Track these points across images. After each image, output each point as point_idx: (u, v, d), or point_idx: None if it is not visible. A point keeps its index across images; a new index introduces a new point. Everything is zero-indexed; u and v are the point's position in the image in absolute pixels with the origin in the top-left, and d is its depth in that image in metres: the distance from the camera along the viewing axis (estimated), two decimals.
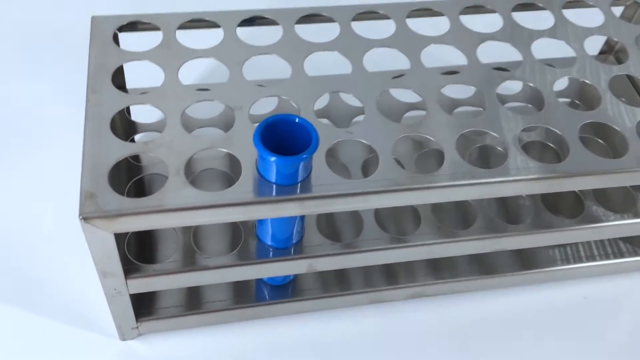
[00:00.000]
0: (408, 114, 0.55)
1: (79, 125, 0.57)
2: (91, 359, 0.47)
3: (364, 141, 0.42)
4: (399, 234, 0.46)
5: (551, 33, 0.51)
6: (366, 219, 0.47)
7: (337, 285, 0.50)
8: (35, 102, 0.64)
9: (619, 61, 0.50)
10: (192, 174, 0.49)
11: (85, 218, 0.35)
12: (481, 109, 0.45)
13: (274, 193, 0.38)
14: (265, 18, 0.49)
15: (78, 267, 0.50)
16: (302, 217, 0.44)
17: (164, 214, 0.36)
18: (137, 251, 0.46)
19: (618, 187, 0.52)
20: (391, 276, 0.51)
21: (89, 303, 0.49)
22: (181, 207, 0.36)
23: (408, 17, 0.51)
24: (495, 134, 0.43)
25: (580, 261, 0.54)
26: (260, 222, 0.43)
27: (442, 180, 0.40)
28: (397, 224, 0.50)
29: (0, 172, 0.57)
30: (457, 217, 0.51)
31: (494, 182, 0.40)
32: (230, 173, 0.49)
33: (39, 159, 0.59)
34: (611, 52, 0.59)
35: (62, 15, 0.71)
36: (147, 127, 0.52)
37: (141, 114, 0.51)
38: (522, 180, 0.41)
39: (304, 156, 0.37)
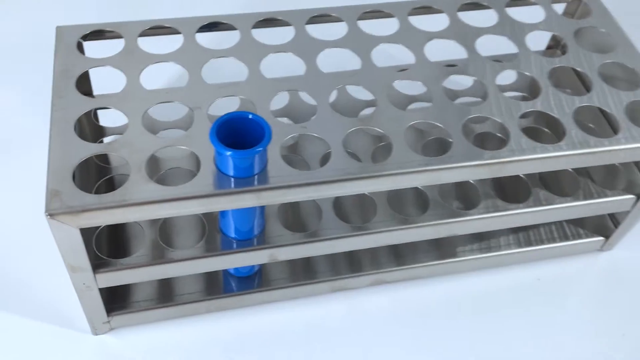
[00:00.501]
0: (365, 111, 0.58)
1: (45, 132, 0.60)
2: (64, 354, 0.48)
3: (317, 135, 0.44)
4: (358, 224, 0.49)
5: (496, 30, 0.54)
6: (325, 210, 0.50)
7: (302, 275, 0.52)
8: (2, 110, 0.65)
9: (564, 53, 0.53)
10: (158, 173, 0.51)
11: (51, 214, 0.37)
12: (431, 104, 0.48)
13: (232, 185, 0.40)
14: (223, 23, 0.52)
15: (50, 266, 0.52)
16: (262, 210, 0.46)
17: (127, 208, 0.39)
18: (108, 249, 0.48)
19: (565, 173, 0.56)
20: (354, 264, 0.54)
21: (62, 300, 0.51)
22: (143, 201, 0.39)
23: (359, 19, 0.53)
24: (441, 125, 0.46)
25: (532, 245, 0.57)
26: (223, 215, 0.46)
27: (389, 169, 0.43)
28: (356, 214, 0.52)
29: None
30: (414, 205, 0.53)
31: (438, 169, 0.43)
32: (195, 171, 0.51)
33: (8, 164, 0.61)
34: (557, 46, 0.63)
35: (27, 27, 0.73)
36: (115, 131, 0.54)
37: (109, 118, 0.53)
38: (465, 166, 0.44)
39: (258, 149, 0.39)
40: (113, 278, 0.44)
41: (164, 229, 0.49)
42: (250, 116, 0.40)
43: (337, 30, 0.53)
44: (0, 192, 0.59)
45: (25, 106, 0.66)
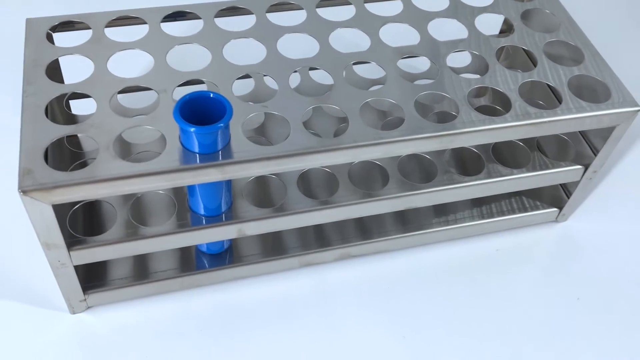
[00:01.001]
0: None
1: (15, 120, 0.61)
2: (43, 333, 0.50)
3: (277, 113, 0.47)
4: (322, 198, 0.52)
5: (447, 14, 0.57)
6: (290, 188, 0.52)
7: (271, 251, 0.55)
8: None
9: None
10: (128, 156, 0.53)
11: (24, 191, 0.39)
12: (382, 85, 0.51)
13: (197, 161, 0.43)
14: (188, 12, 0.54)
15: (26, 248, 0.54)
16: (229, 186, 0.48)
17: (96, 184, 0.41)
18: (83, 230, 0.50)
19: (518, 148, 0.59)
20: (321, 240, 0.56)
21: (39, 280, 0.53)
22: (111, 177, 0.41)
23: (318, 6, 0.56)
24: (393, 101, 0.49)
25: (491, 217, 0.60)
26: (191, 193, 0.48)
27: (346, 142, 0.45)
28: (320, 191, 0.55)
29: None
30: (375, 181, 0.56)
31: (391, 142, 0.46)
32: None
33: None
34: (510, 30, 0.66)
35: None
36: (86, 119, 0.56)
37: (81, 108, 0.55)
38: (417, 139, 0.47)
39: (220, 125, 0.42)
40: (87, 255, 0.46)
41: (136, 209, 0.51)
42: (211, 95, 0.43)
43: (296, 17, 0.55)
44: None
45: None
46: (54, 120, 0.45)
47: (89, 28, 0.52)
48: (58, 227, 0.43)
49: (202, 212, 0.49)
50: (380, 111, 0.61)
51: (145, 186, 0.43)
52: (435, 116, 0.61)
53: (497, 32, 0.66)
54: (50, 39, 0.51)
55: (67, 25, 0.52)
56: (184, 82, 0.49)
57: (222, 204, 0.49)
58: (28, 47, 0.49)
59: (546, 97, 0.59)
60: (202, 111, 0.43)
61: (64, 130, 0.43)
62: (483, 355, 0.53)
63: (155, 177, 0.42)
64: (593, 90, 0.54)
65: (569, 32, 0.57)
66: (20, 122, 0.43)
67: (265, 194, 0.54)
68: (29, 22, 0.51)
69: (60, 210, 0.43)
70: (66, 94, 0.47)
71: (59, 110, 0.53)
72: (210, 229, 0.49)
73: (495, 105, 0.63)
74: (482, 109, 0.61)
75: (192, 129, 0.41)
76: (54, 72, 0.50)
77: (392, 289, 0.57)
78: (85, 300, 0.50)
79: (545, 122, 0.49)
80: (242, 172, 0.44)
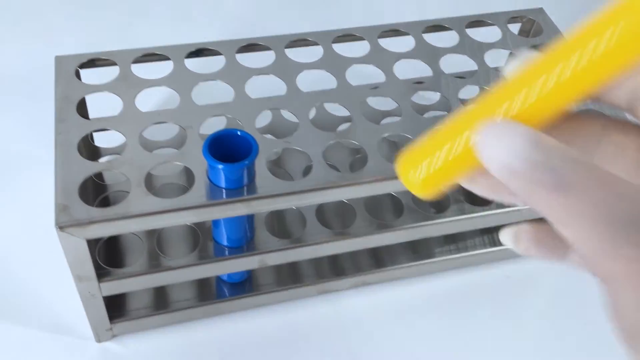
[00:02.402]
0: (342, 126, 0.63)
1: (46, 154, 0.63)
2: None
3: (299, 148, 0.49)
4: (339, 229, 0.54)
5: (457, 50, 0.60)
6: (309, 218, 0.54)
7: (289, 279, 0.56)
8: (4, 137, 0.69)
9: None
10: (154, 189, 0.55)
11: (61, 227, 0.41)
12: (401, 118, 0.53)
13: (224, 196, 0.45)
14: (210, 49, 0.56)
15: (52, 279, 0.55)
16: (252, 218, 0.50)
17: (129, 220, 0.43)
18: (107, 260, 0.52)
19: None
20: (337, 268, 0.58)
21: (65, 309, 0.54)
22: (143, 213, 0.43)
23: (333, 42, 0.58)
24: (411, 137, 0.51)
25: (503, 244, 0.61)
26: (215, 225, 0.50)
27: (365, 177, 0.47)
28: (337, 221, 0.57)
29: None
30: (390, 211, 0.58)
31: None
32: (187, 185, 0.55)
33: (11, 186, 0.64)
34: None
35: (26, 58, 0.76)
36: (109, 151, 0.58)
37: (103, 140, 0.57)
38: None
39: (246, 162, 0.44)
40: (116, 286, 0.48)
41: (161, 240, 0.53)
42: (238, 133, 0.45)
43: (314, 53, 0.58)
44: (4, 209, 0.62)
45: (25, 132, 0.69)
46: (79, 152, 0.47)
47: (115, 64, 0.54)
48: (91, 260, 0.44)
49: (225, 243, 0.50)
50: (392, 142, 0.63)
51: (175, 221, 0.44)
52: None
53: (503, 64, 0.68)
54: (78, 75, 0.53)
55: (93, 62, 0.54)
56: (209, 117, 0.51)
57: (245, 235, 0.50)
58: (58, 85, 0.51)
59: None
60: (229, 147, 0.45)
61: (97, 167, 0.45)
62: None
63: (185, 212, 0.44)
64: None
65: None
66: (54, 160, 0.45)
67: (284, 223, 0.56)
68: (58, 59, 0.53)
69: (90, 243, 0.45)
70: (95, 129, 0.49)
71: (83, 143, 0.54)
72: (234, 260, 0.50)
73: None
74: None
75: (221, 166, 0.43)
76: (82, 108, 0.51)
77: (405, 315, 0.58)
78: (111, 329, 0.52)
79: None
80: (267, 207, 0.46)
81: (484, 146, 0.21)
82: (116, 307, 0.52)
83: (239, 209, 0.45)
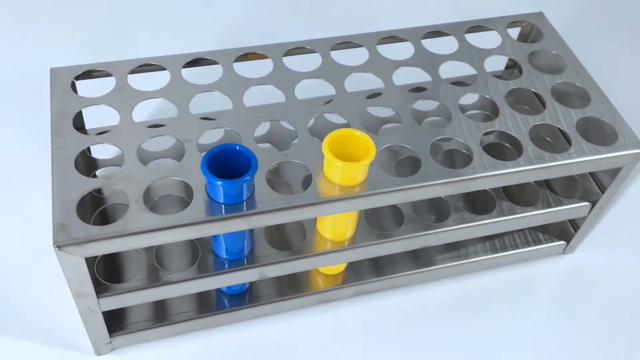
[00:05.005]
0: None
1: (41, 165, 0.63)
2: None
3: (298, 161, 0.48)
4: None
5: (457, 56, 0.59)
6: (308, 229, 0.54)
7: (289, 289, 0.56)
8: (1, 147, 0.68)
9: (521, 73, 0.58)
10: (151, 201, 0.54)
11: (59, 246, 0.41)
12: (401, 125, 0.53)
13: (223, 212, 0.44)
14: (206, 59, 0.55)
15: (50, 294, 0.55)
16: (251, 232, 0.50)
17: (128, 237, 0.42)
18: (106, 274, 0.51)
19: (527, 185, 0.61)
20: (337, 277, 0.58)
21: (64, 323, 0.54)
22: (142, 230, 0.42)
23: (332, 49, 0.58)
24: (409, 147, 0.51)
25: (501, 251, 0.62)
26: (215, 238, 0.49)
27: (364, 190, 0.47)
28: None
29: None
30: (390, 220, 0.58)
31: (409, 189, 0.48)
32: (185, 198, 0.55)
33: (10, 199, 0.63)
34: (515, 66, 0.68)
35: (22, 67, 0.76)
36: (106, 163, 0.57)
37: (100, 151, 0.56)
38: (434, 185, 0.48)
39: (246, 178, 0.43)
40: (115, 301, 0.47)
41: (160, 254, 0.53)
42: (237, 147, 0.44)
43: (312, 61, 0.57)
44: (3, 223, 0.61)
45: (23, 141, 0.68)
46: (77, 166, 0.46)
47: (111, 76, 0.53)
48: (89, 278, 0.44)
49: (224, 256, 0.50)
50: (392, 150, 0.62)
51: (174, 238, 0.44)
52: (444, 154, 0.63)
53: (502, 68, 0.68)
54: (74, 87, 0.52)
55: (89, 74, 0.53)
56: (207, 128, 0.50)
57: (245, 248, 0.50)
58: (54, 98, 0.50)
59: (554, 135, 0.61)
60: (227, 162, 0.45)
61: (95, 183, 0.45)
62: None
63: (184, 229, 0.43)
64: (600, 130, 0.55)
65: (575, 72, 0.59)
66: (51, 176, 0.45)
67: (283, 235, 0.56)
68: (53, 71, 0.52)
69: (88, 260, 0.45)
70: (92, 144, 0.48)
71: (80, 156, 0.54)
72: (233, 273, 0.50)
73: (502, 142, 0.64)
74: (490, 147, 0.63)
75: (220, 183, 0.43)
76: (77, 120, 0.51)
77: (407, 322, 0.58)
78: (110, 342, 0.51)
79: (557, 165, 0.51)
80: (267, 222, 0.45)
81: None
82: (115, 321, 0.52)
83: (238, 225, 0.45)
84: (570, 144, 0.52)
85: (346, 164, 0.45)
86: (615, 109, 0.56)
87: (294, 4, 0.90)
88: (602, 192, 0.58)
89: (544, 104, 0.56)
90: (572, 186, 0.61)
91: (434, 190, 0.49)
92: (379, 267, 0.59)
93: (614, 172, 0.56)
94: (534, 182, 0.61)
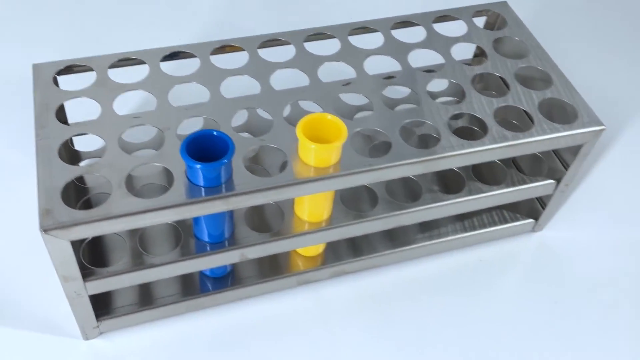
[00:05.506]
0: None
1: (26, 163, 0.65)
2: (60, 359, 0.53)
3: (274, 145, 0.51)
4: None
5: (425, 45, 0.62)
6: (286, 212, 0.56)
7: (270, 271, 0.58)
8: None
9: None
10: (134, 190, 0.56)
11: (45, 230, 0.43)
12: (369, 112, 0.55)
13: (202, 194, 0.46)
14: (184, 52, 0.58)
15: (38, 281, 0.57)
16: (231, 214, 0.52)
17: (111, 220, 0.44)
18: (92, 260, 0.53)
19: (495, 166, 0.64)
20: (316, 258, 0.60)
21: (52, 309, 0.55)
22: (125, 213, 0.44)
23: (305, 41, 0.60)
24: (380, 130, 0.53)
25: (473, 230, 0.64)
26: (196, 222, 0.52)
27: (336, 172, 0.49)
28: None
29: None
30: (365, 202, 0.60)
31: (381, 169, 0.50)
32: (167, 185, 0.57)
33: None
34: (483, 54, 0.71)
35: (3, 66, 0.77)
36: (89, 155, 0.59)
37: (83, 144, 0.58)
38: (403, 164, 0.51)
39: (224, 161, 0.45)
40: (102, 285, 0.49)
41: (143, 239, 0.55)
42: (215, 133, 0.46)
43: (286, 52, 0.59)
44: None
45: (4, 139, 0.70)
46: (60, 157, 0.48)
47: (92, 70, 0.55)
48: (75, 261, 0.46)
49: (206, 239, 0.52)
50: (366, 136, 0.65)
51: (156, 220, 0.46)
52: (417, 139, 0.65)
53: (471, 56, 0.71)
54: (56, 82, 0.54)
55: (70, 68, 0.55)
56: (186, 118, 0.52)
57: (226, 231, 0.52)
58: (37, 92, 0.52)
59: (519, 117, 0.63)
60: (206, 147, 0.47)
61: (78, 170, 0.47)
62: (471, 358, 0.57)
63: (166, 211, 0.45)
64: (562, 110, 0.58)
65: (537, 57, 0.62)
66: (36, 165, 0.47)
67: (263, 218, 0.58)
68: (35, 67, 0.54)
69: (74, 244, 0.46)
70: (74, 134, 0.50)
71: (63, 148, 0.56)
72: (215, 255, 0.52)
73: (472, 126, 0.67)
74: (460, 131, 0.66)
75: (198, 166, 0.45)
76: (60, 113, 0.53)
77: (385, 301, 0.61)
78: (98, 326, 0.53)
79: (519, 144, 0.53)
80: (245, 203, 0.48)
81: None
82: (102, 305, 0.54)
83: (217, 206, 0.47)
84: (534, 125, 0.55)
85: (319, 145, 0.47)
86: (575, 90, 0.59)
87: (268, 3, 0.92)
88: (566, 170, 0.61)
89: (508, 88, 0.59)
90: (538, 166, 0.64)
91: (404, 169, 0.51)
92: (357, 249, 0.61)
93: (575, 150, 0.59)
94: (503, 163, 0.64)
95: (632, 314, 0.62)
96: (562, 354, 0.58)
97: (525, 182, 0.61)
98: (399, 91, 0.62)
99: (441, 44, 0.62)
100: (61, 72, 0.55)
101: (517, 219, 0.66)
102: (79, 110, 0.55)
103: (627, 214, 0.70)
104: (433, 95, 0.60)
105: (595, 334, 0.60)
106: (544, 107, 0.58)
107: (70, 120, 0.58)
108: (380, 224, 0.57)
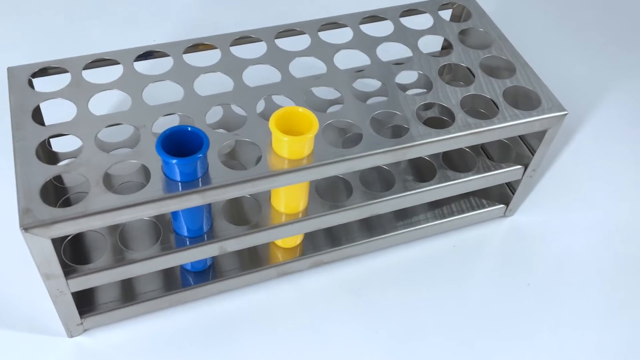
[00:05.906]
0: None
1: (2, 162, 0.65)
2: (45, 357, 0.54)
3: (248, 139, 0.52)
4: None
5: (392, 38, 0.64)
6: (263, 205, 0.57)
7: (250, 263, 0.60)
8: None
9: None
10: (112, 188, 0.57)
11: (25, 228, 0.44)
12: (341, 105, 0.57)
13: (179, 189, 0.47)
14: (157, 51, 0.59)
15: (20, 280, 0.58)
16: (209, 208, 0.53)
17: (90, 217, 0.45)
18: (73, 259, 0.54)
19: (465, 154, 0.66)
20: (295, 249, 0.61)
21: (35, 308, 0.56)
22: (103, 209, 0.45)
23: (276, 37, 0.62)
24: (352, 122, 0.55)
25: (447, 217, 0.66)
26: (175, 217, 0.53)
27: (311, 162, 0.51)
28: None
29: None
30: (340, 193, 0.62)
31: (352, 159, 0.52)
32: (144, 183, 0.58)
33: None
34: (450, 46, 0.73)
35: None
36: (67, 156, 0.60)
37: (60, 145, 0.59)
38: (374, 154, 0.52)
39: (199, 155, 0.47)
40: (84, 282, 0.50)
41: (124, 236, 0.56)
42: (189, 129, 0.48)
43: (258, 49, 0.61)
44: None
45: None
46: (38, 157, 0.49)
47: (66, 72, 0.56)
48: (57, 259, 0.47)
49: (185, 233, 0.53)
50: (340, 129, 0.67)
51: (135, 215, 0.47)
52: (389, 130, 0.67)
53: (438, 49, 0.73)
54: (31, 84, 0.55)
55: (45, 71, 0.56)
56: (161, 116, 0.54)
57: (204, 225, 0.54)
58: (12, 94, 0.53)
59: (487, 106, 0.66)
60: (181, 143, 0.48)
61: (56, 170, 0.48)
62: (450, 341, 0.59)
63: (143, 206, 0.46)
64: (527, 98, 0.61)
65: (501, 47, 0.64)
66: (14, 166, 0.47)
67: (241, 211, 0.59)
68: (10, 70, 0.55)
69: (55, 242, 0.47)
70: (51, 135, 0.51)
71: (41, 149, 0.56)
72: (195, 249, 0.53)
73: (442, 116, 0.69)
74: (430, 121, 0.68)
75: (174, 161, 0.46)
76: (37, 116, 0.53)
77: (363, 289, 0.62)
78: (82, 323, 0.54)
79: (484, 131, 0.55)
80: (221, 196, 0.49)
81: None
82: (85, 302, 0.55)
83: (194, 200, 0.48)
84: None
85: (292, 137, 0.48)
86: (538, 78, 0.61)
87: (239, 2, 0.93)
88: (533, 155, 0.63)
89: (474, 76, 0.61)
90: (506, 152, 0.66)
91: (375, 159, 0.53)
92: (335, 239, 0.63)
93: (540, 135, 0.61)
94: (472, 151, 0.66)
95: (600, 292, 0.64)
96: (536, 333, 0.60)
97: (493, 168, 0.63)
98: (369, 84, 0.64)
99: (409, 37, 0.64)
100: (36, 75, 0.55)
101: (488, 205, 0.68)
102: (55, 112, 0.56)
103: (595, 197, 0.73)
104: (403, 88, 0.62)
105: (566, 312, 0.62)
106: (510, 95, 0.60)
107: (46, 121, 0.59)
108: (356, 213, 0.59)
